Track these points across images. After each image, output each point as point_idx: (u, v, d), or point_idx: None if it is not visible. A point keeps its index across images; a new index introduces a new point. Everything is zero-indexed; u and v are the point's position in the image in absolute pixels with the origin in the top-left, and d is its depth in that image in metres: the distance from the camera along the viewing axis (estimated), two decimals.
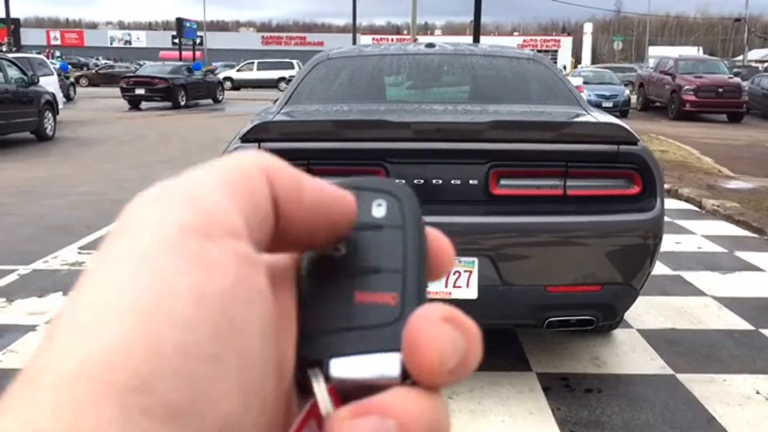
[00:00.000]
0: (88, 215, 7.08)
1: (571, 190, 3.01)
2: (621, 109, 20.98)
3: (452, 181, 3.01)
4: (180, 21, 43.54)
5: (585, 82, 21.06)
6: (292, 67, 35.91)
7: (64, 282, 4.90)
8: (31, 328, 4.07)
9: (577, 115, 3.47)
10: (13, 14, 28.17)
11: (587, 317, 3.11)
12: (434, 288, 2.93)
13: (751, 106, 22.13)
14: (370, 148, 3.04)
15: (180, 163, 11.07)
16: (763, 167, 11.18)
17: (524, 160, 3.05)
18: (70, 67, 27.90)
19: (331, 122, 3.25)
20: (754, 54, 73.56)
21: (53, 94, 14.47)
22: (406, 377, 0.28)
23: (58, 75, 20.06)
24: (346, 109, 3.60)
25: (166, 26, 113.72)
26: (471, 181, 3.01)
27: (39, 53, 26.68)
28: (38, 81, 14.01)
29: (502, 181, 3.02)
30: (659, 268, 5.15)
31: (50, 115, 14.06)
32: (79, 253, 5.66)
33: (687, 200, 8.12)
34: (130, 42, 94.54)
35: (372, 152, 3.03)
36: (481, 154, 3.02)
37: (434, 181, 3.00)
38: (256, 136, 3.06)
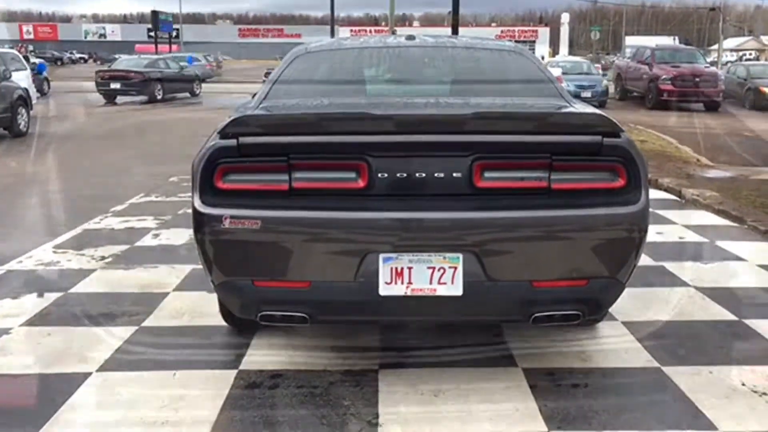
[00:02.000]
0: (63, 213, 6.95)
1: (555, 184, 2.97)
2: (599, 99, 21.07)
3: (436, 174, 2.95)
4: (155, 14, 43.09)
5: (564, 73, 21.14)
6: None
7: (39, 283, 4.79)
8: (5, 331, 3.95)
9: (560, 107, 3.43)
10: None
11: (573, 312, 3.07)
12: (419, 285, 2.90)
13: (728, 95, 22.32)
14: (351, 142, 2.97)
15: (157, 159, 10.92)
16: (740, 156, 11.26)
17: (508, 152, 3.00)
18: (47, 66, 27.16)
19: (310, 115, 3.17)
20: (729, 43, 74.22)
21: (26, 90, 14.23)
22: None
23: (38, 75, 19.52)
24: (326, 102, 3.53)
25: (141, 19, 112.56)
26: (455, 174, 2.95)
27: (11, 48, 26.20)
28: (11, 76, 13.78)
29: (486, 174, 2.96)
30: (642, 259, 5.12)
31: (23, 110, 13.81)
32: (55, 252, 5.54)
33: (667, 190, 8.15)
34: (105, 35, 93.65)
35: (353, 146, 2.96)
36: (465, 146, 2.96)
37: (417, 174, 2.94)
38: (234, 130, 2.98)
